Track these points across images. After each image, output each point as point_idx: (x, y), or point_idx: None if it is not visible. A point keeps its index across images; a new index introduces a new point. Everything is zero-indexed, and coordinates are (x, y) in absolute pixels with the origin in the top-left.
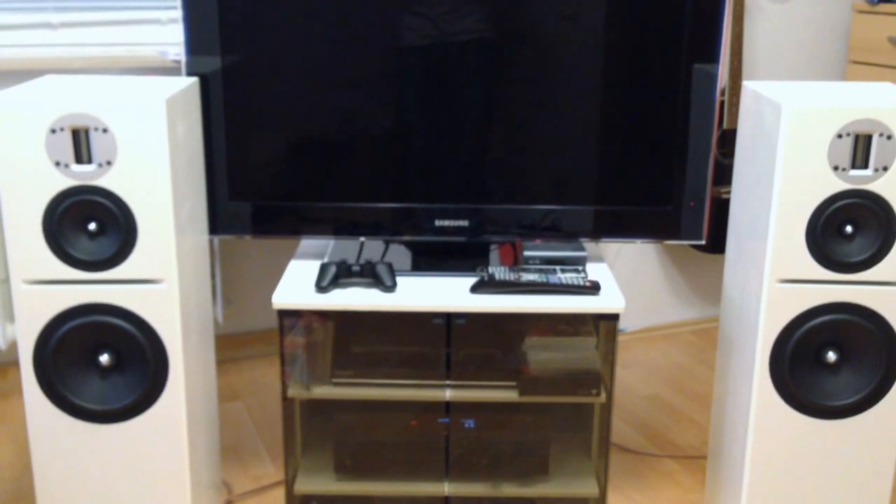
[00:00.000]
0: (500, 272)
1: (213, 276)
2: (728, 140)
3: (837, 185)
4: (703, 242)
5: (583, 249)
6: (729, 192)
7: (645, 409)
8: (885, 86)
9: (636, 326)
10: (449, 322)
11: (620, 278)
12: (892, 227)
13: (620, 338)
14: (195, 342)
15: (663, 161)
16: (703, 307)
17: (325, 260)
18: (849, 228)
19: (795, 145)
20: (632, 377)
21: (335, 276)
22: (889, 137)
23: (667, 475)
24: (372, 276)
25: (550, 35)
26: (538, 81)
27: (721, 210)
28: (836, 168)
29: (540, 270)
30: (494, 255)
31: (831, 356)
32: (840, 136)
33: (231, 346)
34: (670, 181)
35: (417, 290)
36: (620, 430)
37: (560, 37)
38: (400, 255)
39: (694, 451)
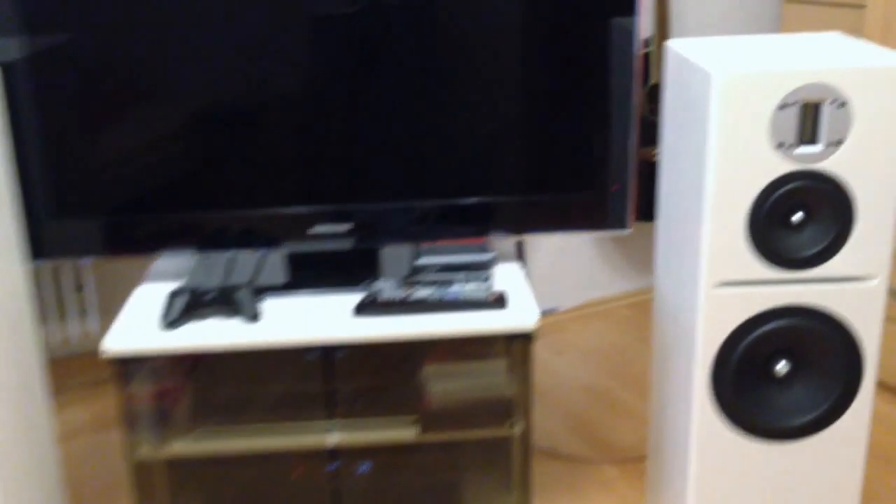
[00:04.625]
0: (387, 288)
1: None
2: (657, 96)
3: (782, 165)
4: (629, 230)
5: (489, 251)
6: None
7: (579, 401)
8: (833, 37)
9: (569, 305)
10: (327, 355)
11: (550, 253)
12: (849, 213)
13: (552, 319)
14: None
15: (580, 140)
16: (639, 278)
17: (176, 287)
18: (798, 217)
19: (729, 120)
20: (565, 365)
21: (186, 307)
22: (842, 105)
23: (604, 484)
24: (230, 303)
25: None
26: (429, 53)
27: (652, 173)
28: (779, 145)
29: (436, 282)
30: (392, 258)
31: (782, 368)
32: (783, 106)
33: None
34: (589, 162)
35: (289, 318)
36: (552, 431)
37: (454, 2)
38: (278, 269)
39: (632, 450)
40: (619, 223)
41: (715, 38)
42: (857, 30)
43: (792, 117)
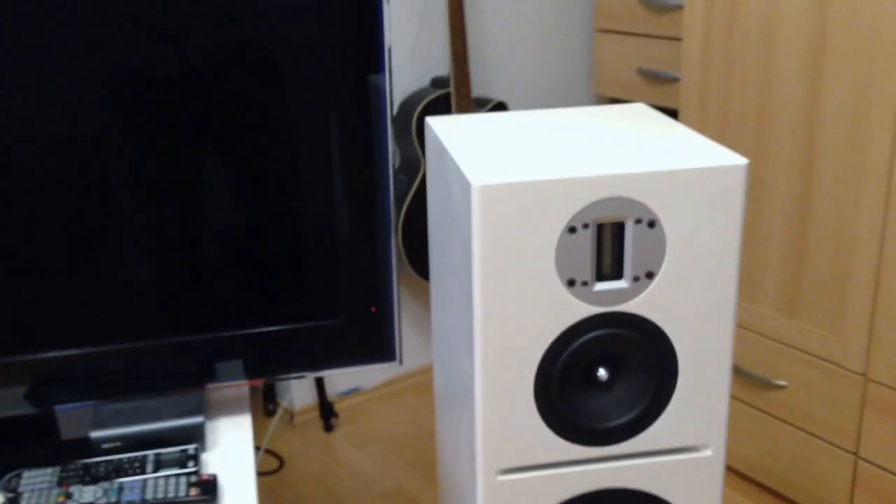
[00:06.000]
0: (35, 487)
1: None
2: None
3: (577, 308)
4: (395, 356)
5: (199, 413)
6: None
7: None
8: (637, 114)
9: (375, 381)
10: None
11: None
12: (669, 366)
13: (354, 401)
14: None
15: (320, 251)
16: None
17: None
18: (603, 373)
19: (500, 247)
20: (367, 461)
21: None
22: (651, 224)
23: None
24: None
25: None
26: (135, 147)
27: None
28: (571, 283)
29: (115, 469)
30: (63, 426)
31: None
32: (573, 229)
33: None
34: (334, 281)
35: None
36: None
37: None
38: None
39: None
40: (384, 353)
41: (489, 116)
42: (674, 64)
43: (586, 242)
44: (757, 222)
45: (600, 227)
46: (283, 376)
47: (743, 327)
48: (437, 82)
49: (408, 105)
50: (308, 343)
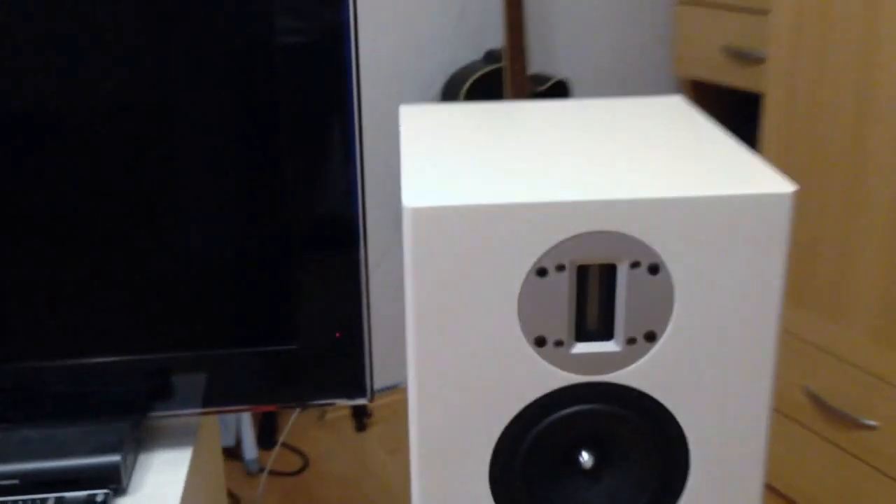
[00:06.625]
0: None
1: None
2: None
3: (549, 376)
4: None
5: (116, 450)
6: None
7: None
8: (670, 108)
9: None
10: None
11: (393, 312)
12: (677, 452)
13: (390, 399)
14: None
15: (270, 262)
16: None
17: None
18: (587, 459)
19: (443, 295)
20: (399, 470)
21: None
22: (654, 270)
23: None
24: None
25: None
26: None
27: None
28: (540, 342)
29: None
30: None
31: None
32: (542, 271)
33: None
34: (289, 299)
35: None
36: None
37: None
38: None
39: None
40: (351, 387)
41: (476, 108)
42: (759, 41)
43: (561, 289)
44: (850, 231)
45: (582, 270)
46: (230, 409)
47: (827, 352)
48: (491, 56)
49: (455, 81)
50: (258, 371)
